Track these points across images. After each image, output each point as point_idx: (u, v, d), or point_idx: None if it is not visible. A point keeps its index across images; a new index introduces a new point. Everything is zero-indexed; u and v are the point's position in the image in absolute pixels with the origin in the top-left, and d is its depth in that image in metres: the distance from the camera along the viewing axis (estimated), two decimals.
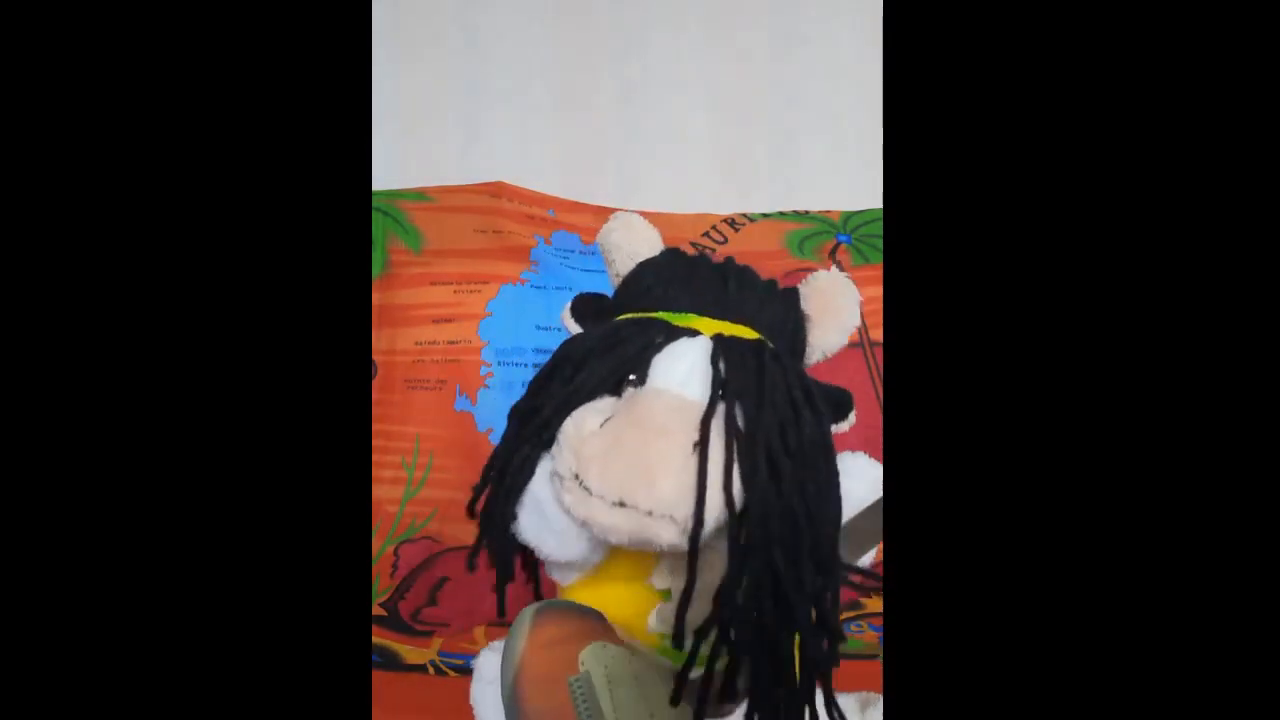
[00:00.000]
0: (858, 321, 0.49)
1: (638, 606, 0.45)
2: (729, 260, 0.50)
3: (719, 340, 0.44)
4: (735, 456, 0.41)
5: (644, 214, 0.98)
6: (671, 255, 0.50)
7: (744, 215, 0.96)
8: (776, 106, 1.02)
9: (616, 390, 0.44)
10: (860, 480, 0.46)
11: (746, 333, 0.46)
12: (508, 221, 0.94)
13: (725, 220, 0.96)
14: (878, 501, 0.45)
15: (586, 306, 0.49)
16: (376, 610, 0.82)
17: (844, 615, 0.83)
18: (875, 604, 0.82)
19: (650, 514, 0.40)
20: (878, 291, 0.92)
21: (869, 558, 0.46)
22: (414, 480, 0.85)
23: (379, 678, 0.77)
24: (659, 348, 0.44)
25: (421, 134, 1.00)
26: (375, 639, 0.81)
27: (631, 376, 0.44)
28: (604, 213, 0.97)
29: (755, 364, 0.43)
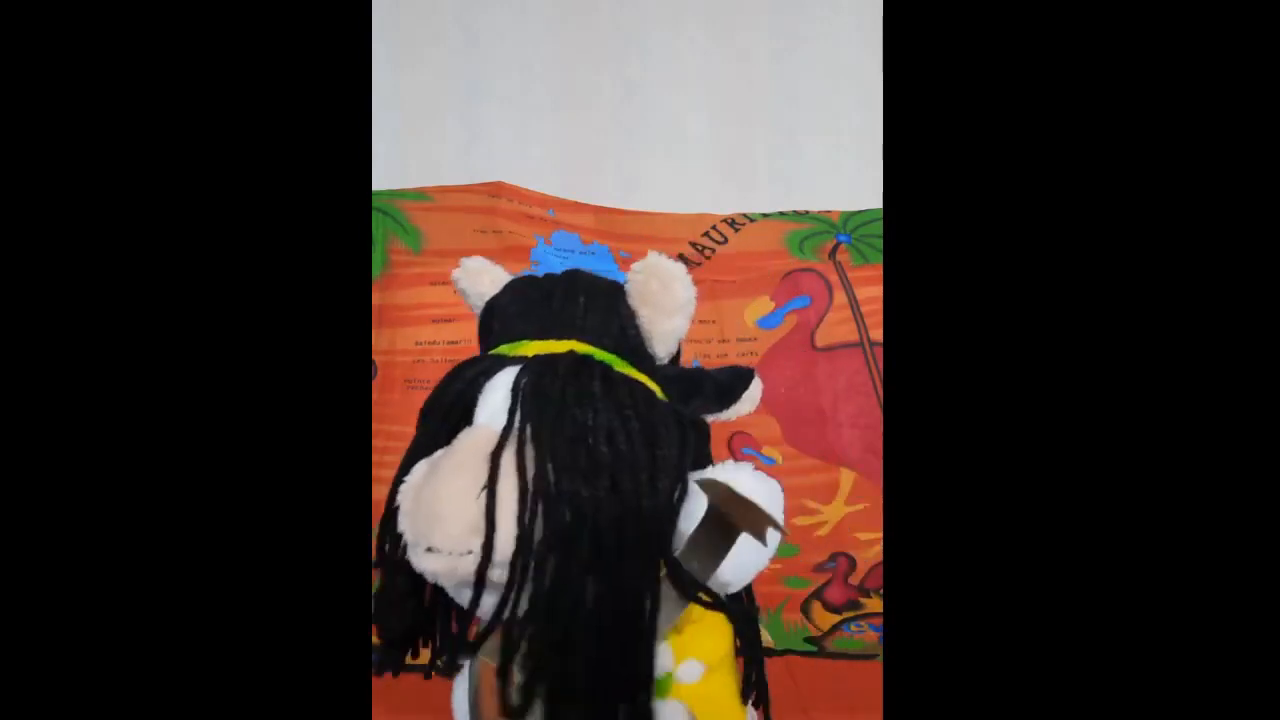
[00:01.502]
0: (688, 295, 0.46)
1: None
2: (564, 274, 0.49)
3: (526, 364, 0.44)
4: (529, 481, 0.40)
5: (644, 214, 0.98)
6: (510, 286, 0.50)
7: (744, 215, 0.96)
8: (776, 106, 1.02)
9: (452, 437, 0.43)
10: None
11: (560, 345, 0.45)
12: (507, 221, 0.94)
13: (725, 220, 0.95)
14: (705, 516, 0.43)
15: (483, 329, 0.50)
16: None
17: (844, 615, 0.83)
18: (875, 604, 0.82)
19: (450, 554, 0.40)
20: (878, 291, 0.92)
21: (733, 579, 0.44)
22: None
23: (379, 678, 0.76)
24: (480, 385, 0.44)
25: (421, 134, 1.00)
26: (375, 639, 0.81)
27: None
28: (604, 213, 0.97)
29: (552, 380, 0.42)
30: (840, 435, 0.84)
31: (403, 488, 0.43)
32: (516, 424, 0.42)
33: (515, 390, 0.43)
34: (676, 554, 0.42)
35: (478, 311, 0.51)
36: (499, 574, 0.40)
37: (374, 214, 0.91)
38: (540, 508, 0.40)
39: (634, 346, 0.46)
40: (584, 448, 0.41)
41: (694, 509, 0.43)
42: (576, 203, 0.97)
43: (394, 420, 0.86)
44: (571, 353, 0.44)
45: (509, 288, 0.50)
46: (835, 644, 0.83)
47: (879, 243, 0.93)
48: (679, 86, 1.02)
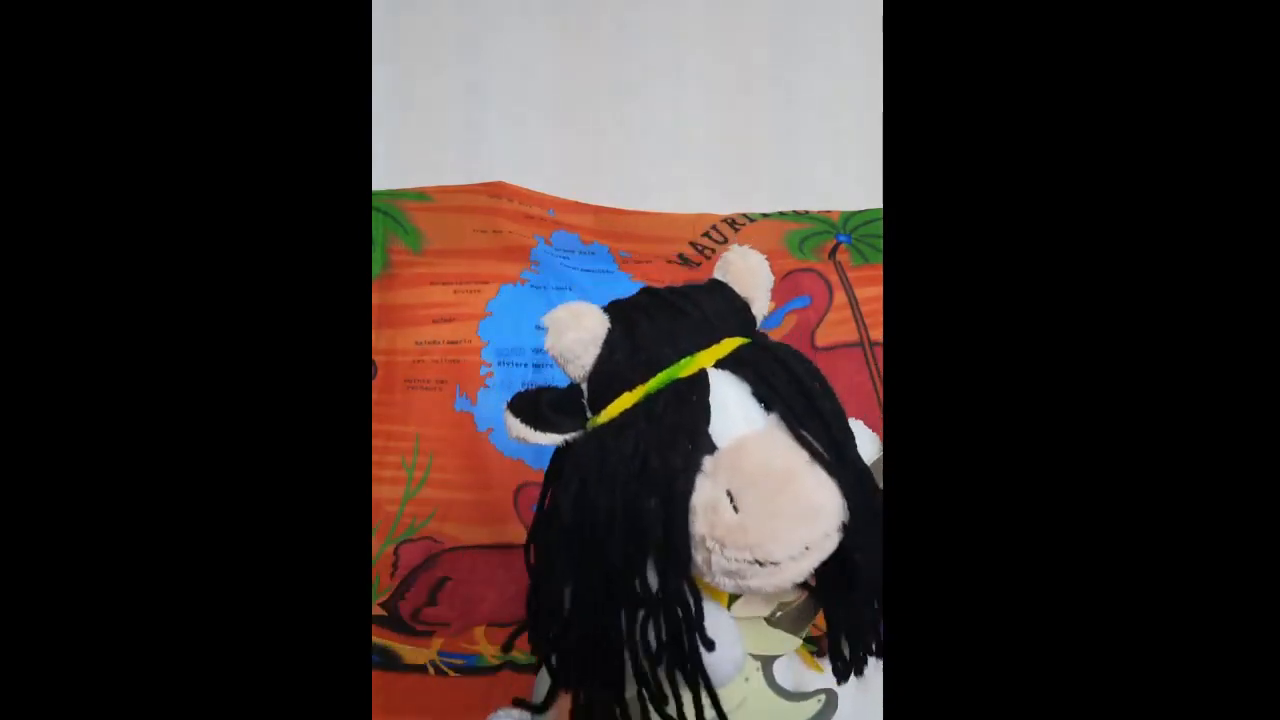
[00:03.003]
0: (772, 277, 0.51)
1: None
2: (658, 291, 0.49)
3: (730, 364, 0.46)
4: (825, 443, 0.44)
5: (644, 214, 0.98)
6: (620, 314, 0.48)
7: (744, 215, 0.96)
8: (776, 106, 1.01)
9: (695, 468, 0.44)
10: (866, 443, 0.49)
11: (731, 344, 0.47)
12: (508, 221, 0.94)
13: (725, 220, 0.95)
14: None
15: (527, 403, 0.47)
16: (376, 610, 0.82)
17: None
18: None
19: (826, 535, 0.43)
20: (878, 291, 0.92)
21: None
22: (414, 480, 0.85)
23: (379, 678, 0.76)
24: (706, 407, 0.45)
25: (421, 134, 1.00)
26: (375, 639, 0.81)
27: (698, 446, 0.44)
28: (604, 213, 0.97)
29: (771, 363, 0.46)
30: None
31: (708, 529, 0.42)
32: (783, 408, 0.44)
33: (753, 387, 0.45)
34: None
35: (588, 360, 0.47)
36: (833, 544, 0.43)
37: (374, 214, 0.91)
38: (839, 459, 0.44)
39: (751, 329, 0.50)
40: (827, 402, 0.45)
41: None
42: (576, 203, 0.97)
43: (394, 420, 0.86)
44: (747, 343, 0.47)
45: (620, 315, 0.48)
46: None
47: (879, 243, 0.93)
48: (679, 87, 1.02)
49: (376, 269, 0.90)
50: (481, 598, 0.82)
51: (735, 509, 0.42)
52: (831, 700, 0.49)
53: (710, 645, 0.43)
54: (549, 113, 1.01)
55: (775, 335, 0.88)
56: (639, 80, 1.02)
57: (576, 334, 0.46)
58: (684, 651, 0.43)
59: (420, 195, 0.95)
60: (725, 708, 0.45)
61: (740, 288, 0.49)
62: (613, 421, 0.45)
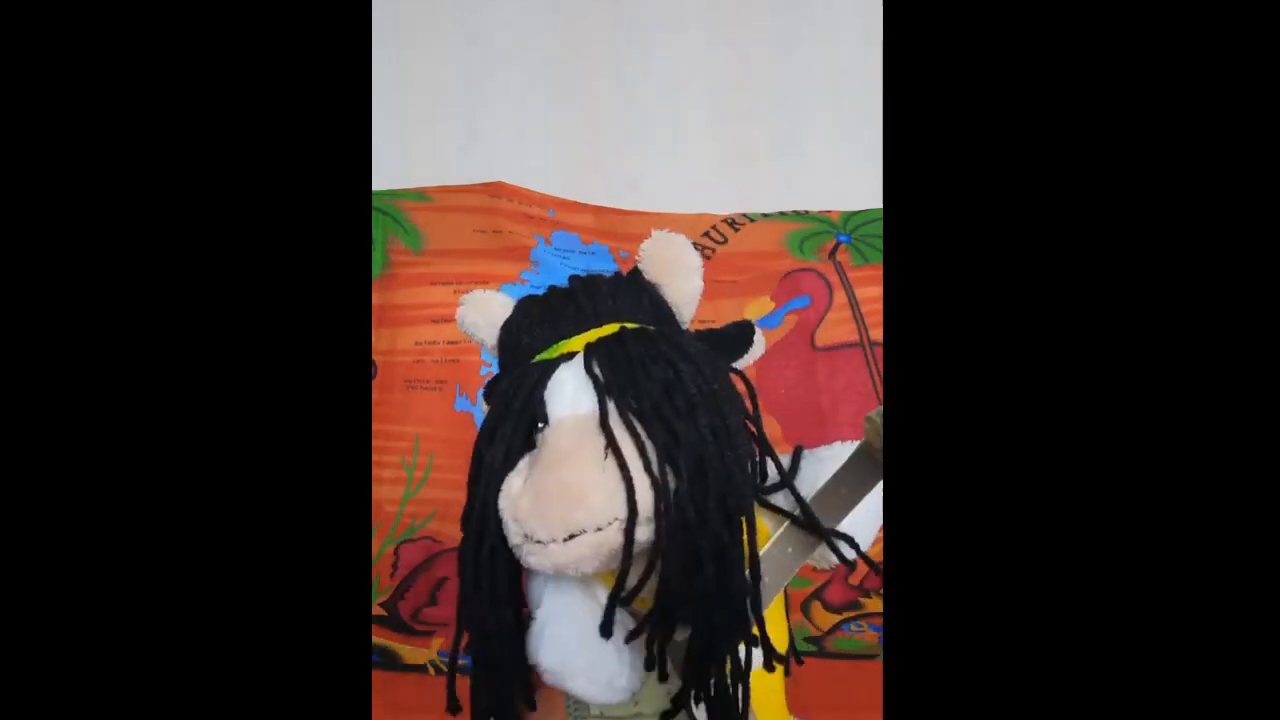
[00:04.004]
0: (697, 261, 0.50)
1: None
2: (575, 278, 0.51)
3: (587, 349, 0.45)
4: (644, 440, 0.42)
5: (644, 214, 0.98)
6: (524, 303, 0.50)
7: (744, 215, 0.96)
8: (776, 106, 1.02)
9: (530, 446, 0.45)
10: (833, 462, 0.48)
11: (599, 332, 0.47)
12: (507, 221, 0.94)
13: (725, 220, 0.95)
14: (845, 468, 0.47)
15: (492, 385, 0.50)
16: (376, 610, 0.82)
17: (844, 615, 0.83)
18: (875, 604, 0.82)
19: (598, 529, 0.41)
20: (878, 291, 0.92)
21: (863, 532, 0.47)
22: (414, 480, 0.85)
23: (379, 678, 0.77)
24: (543, 384, 0.45)
25: (421, 134, 1.00)
26: (375, 639, 0.81)
27: (539, 425, 0.44)
28: (604, 213, 0.97)
29: (621, 350, 0.45)
30: (840, 435, 0.84)
31: (504, 503, 0.43)
32: (611, 395, 0.43)
33: (589, 371, 0.44)
34: (810, 498, 0.45)
35: (491, 341, 0.51)
36: (645, 532, 0.41)
37: (374, 214, 0.91)
38: (667, 456, 0.41)
39: (665, 317, 0.49)
40: (681, 396, 0.43)
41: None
42: (576, 203, 0.97)
43: (394, 420, 0.86)
44: (623, 328, 0.46)
45: (523, 304, 0.50)
46: (835, 644, 0.83)
47: (879, 243, 0.93)
48: (679, 86, 1.02)
49: (376, 269, 0.90)
50: None
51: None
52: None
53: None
54: (549, 113, 1.01)
55: (775, 335, 0.88)
56: (639, 80, 1.02)
57: (474, 316, 0.50)
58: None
59: (420, 195, 0.95)
60: (602, 696, 0.43)
61: (650, 274, 0.49)
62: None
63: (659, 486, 0.41)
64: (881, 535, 0.43)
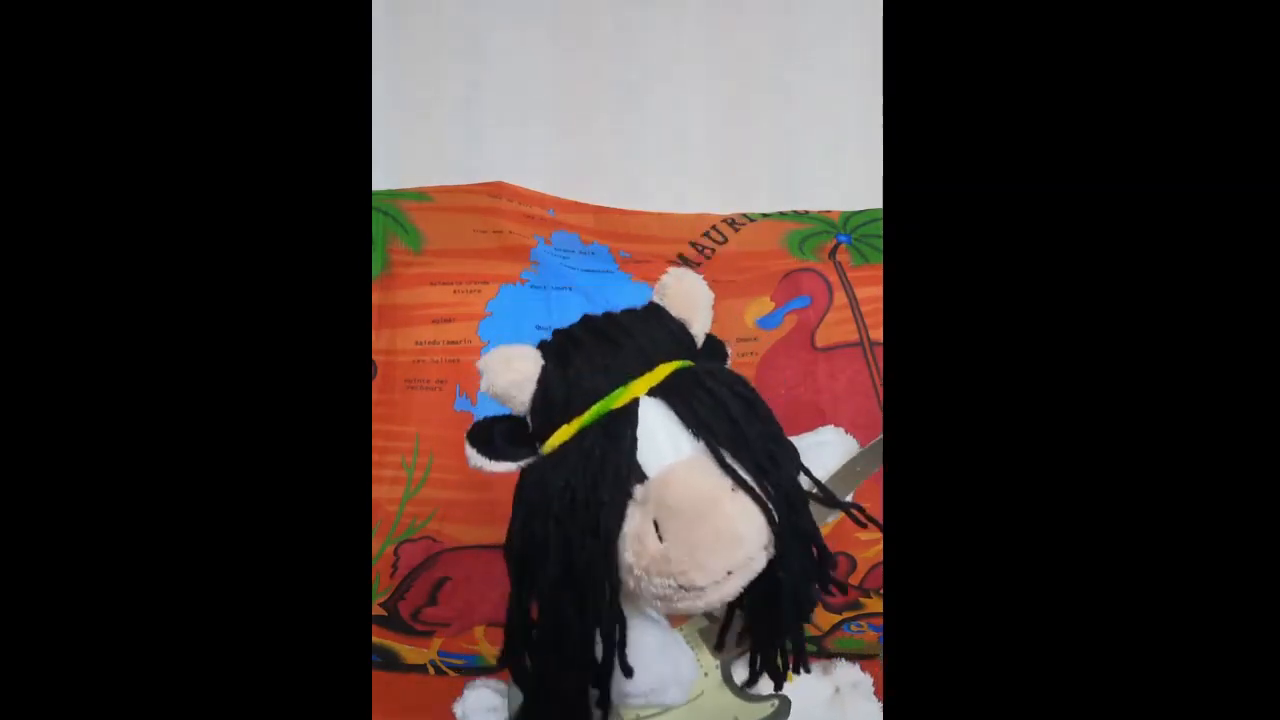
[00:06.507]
0: (711, 297, 0.51)
1: None
2: (596, 319, 0.50)
3: (661, 393, 0.46)
4: (751, 478, 0.45)
5: (644, 214, 0.98)
6: (554, 353, 0.49)
7: (744, 215, 0.96)
8: (776, 106, 1.01)
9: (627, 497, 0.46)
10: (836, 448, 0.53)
11: (664, 370, 0.47)
12: (508, 221, 0.94)
13: (725, 220, 0.95)
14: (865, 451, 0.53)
15: (483, 432, 0.49)
16: (376, 610, 0.82)
17: (844, 615, 0.83)
18: (875, 604, 0.82)
19: (750, 558, 0.44)
20: (878, 291, 0.92)
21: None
22: (414, 480, 0.85)
23: (379, 678, 0.77)
24: (633, 439, 0.45)
25: (421, 134, 1.00)
26: (375, 639, 0.81)
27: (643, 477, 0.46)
28: (604, 212, 0.97)
29: (703, 390, 0.47)
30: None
31: (640, 560, 0.44)
32: (713, 435, 0.45)
33: (680, 414, 0.46)
34: (827, 479, 0.51)
35: (524, 398, 0.48)
36: (759, 564, 0.45)
37: (374, 214, 0.91)
38: (766, 477, 0.45)
39: (685, 346, 0.50)
40: (756, 423, 0.47)
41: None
42: (576, 203, 0.97)
43: (394, 420, 0.86)
44: (693, 367, 0.48)
45: (554, 354, 0.49)
46: (835, 644, 0.83)
47: (879, 243, 0.93)
48: (679, 86, 1.02)
49: (376, 269, 0.90)
50: (481, 598, 0.82)
51: (660, 538, 0.43)
52: (784, 707, 0.51)
53: (628, 672, 0.45)
54: (549, 112, 1.01)
55: (775, 335, 0.88)
56: (639, 80, 1.02)
57: (508, 377, 0.48)
58: (605, 674, 0.45)
59: (420, 195, 0.95)
60: (686, 697, 0.49)
61: (676, 310, 0.50)
62: (553, 453, 0.46)
63: (767, 508, 0.44)
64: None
